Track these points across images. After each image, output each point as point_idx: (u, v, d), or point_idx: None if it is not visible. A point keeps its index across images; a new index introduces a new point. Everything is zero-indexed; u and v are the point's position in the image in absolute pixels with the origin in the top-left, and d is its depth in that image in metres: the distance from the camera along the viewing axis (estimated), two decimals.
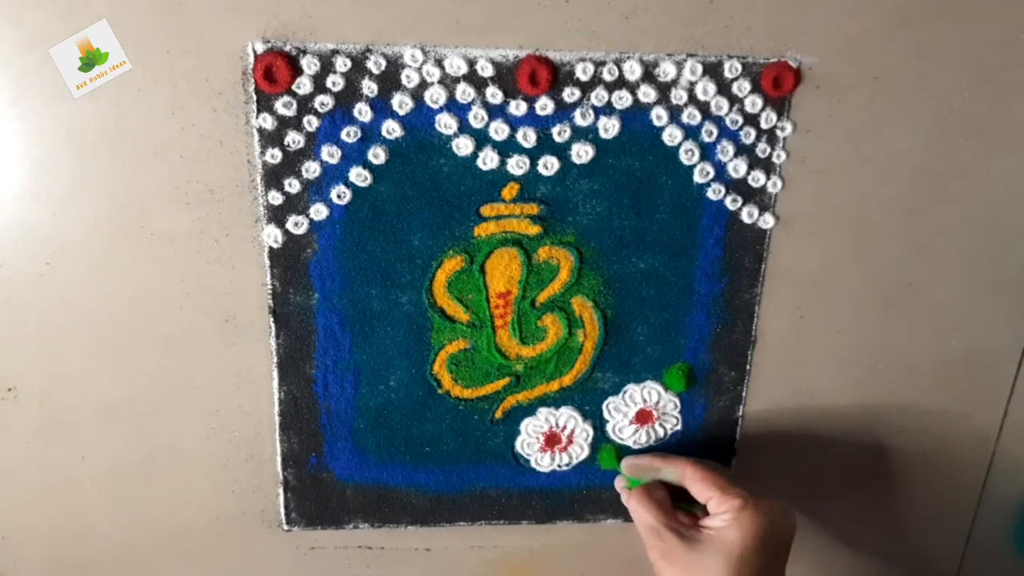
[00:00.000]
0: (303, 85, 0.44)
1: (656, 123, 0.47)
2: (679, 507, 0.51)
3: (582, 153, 0.47)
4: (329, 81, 0.44)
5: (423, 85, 0.45)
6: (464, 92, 0.45)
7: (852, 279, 0.52)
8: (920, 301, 0.53)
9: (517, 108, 0.46)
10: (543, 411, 0.54)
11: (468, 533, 0.58)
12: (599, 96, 0.46)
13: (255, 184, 0.46)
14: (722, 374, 0.54)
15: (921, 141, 0.49)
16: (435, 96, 0.45)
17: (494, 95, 0.45)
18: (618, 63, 0.45)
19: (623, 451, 0.55)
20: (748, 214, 0.49)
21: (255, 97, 0.44)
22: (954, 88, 0.48)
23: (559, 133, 0.47)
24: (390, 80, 0.45)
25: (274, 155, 0.46)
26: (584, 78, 0.45)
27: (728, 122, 0.47)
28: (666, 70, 0.46)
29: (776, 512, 0.48)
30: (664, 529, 0.48)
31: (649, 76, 0.46)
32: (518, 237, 0.49)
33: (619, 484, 0.55)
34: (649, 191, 0.48)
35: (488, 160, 0.47)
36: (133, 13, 0.42)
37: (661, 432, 0.55)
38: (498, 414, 0.54)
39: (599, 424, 0.54)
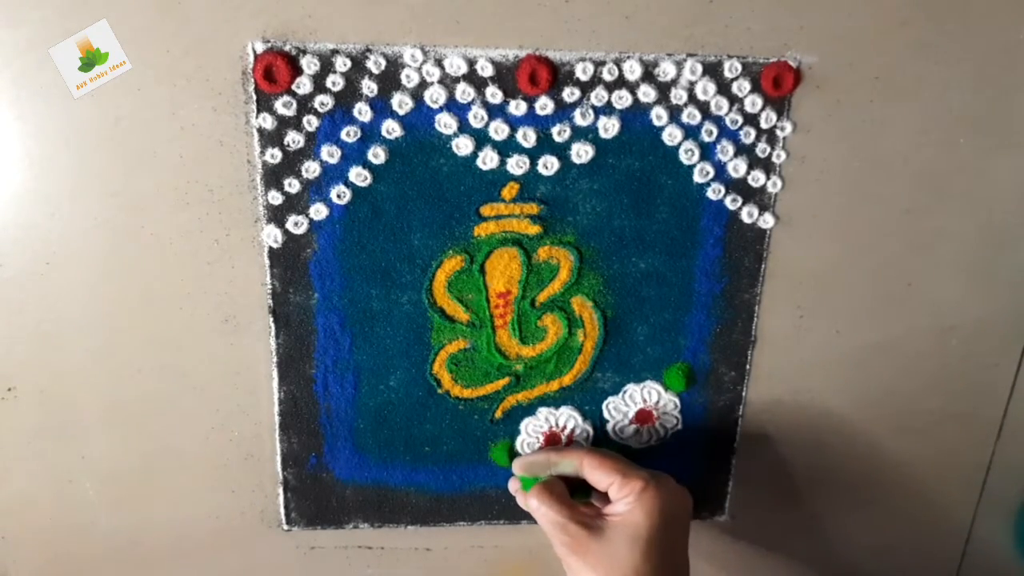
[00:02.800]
0: (303, 85, 0.44)
1: (656, 123, 0.47)
2: (578, 500, 0.51)
3: (582, 153, 0.47)
4: (329, 81, 0.44)
5: (423, 85, 0.45)
6: (464, 92, 0.45)
7: (852, 279, 0.52)
8: (920, 301, 0.53)
9: (517, 108, 0.46)
10: (543, 411, 0.54)
11: (468, 533, 0.58)
12: (599, 96, 0.46)
13: (255, 184, 0.46)
14: (722, 374, 0.54)
15: (921, 141, 0.49)
16: (435, 96, 0.45)
17: (494, 95, 0.45)
18: (618, 63, 0.45)
19: (623, 451, 0.55)
20: (748, 214, 0.49)
21: (255, 97, 0.44)
22: (954, 88, 0.48)
23: (559, 133, 0.47)
24: (390, 80, 0.45)
25: (274, 155, 0.46)
26: (584, 78, 0.45)
27: (728, 122, 0.47)
28: (666, 70, 0.46)
29: (674, 489, 0.49)
30: (569, 522, 0.47)
31: (649, 76, 0.46)
32: (518, 237, 0.49)
33: (513, 487, 0.54)
34: (649, 191, 0.48)
35: (488, 160, 0.47)
36: (133, 13, 0.42)
37: (661, 432, 0.55)
38: (498, 414, 0.54)
39: (599, 424, 0.54)
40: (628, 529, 0.46)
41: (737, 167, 0.48)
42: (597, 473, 0.49)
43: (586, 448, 0.52)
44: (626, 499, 0.47)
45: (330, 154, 0.46)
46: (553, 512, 0.48)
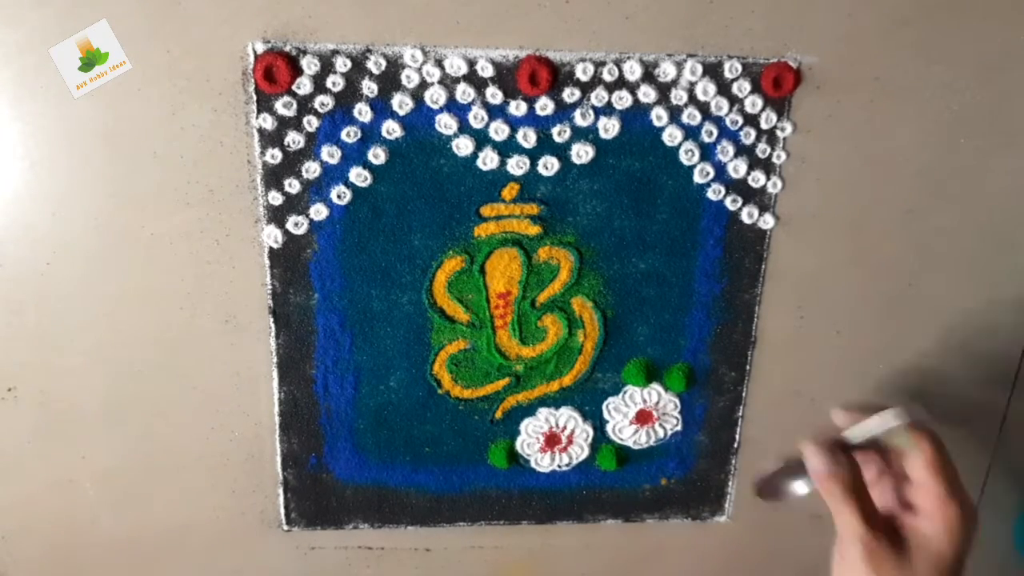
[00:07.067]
0: (303, 85, 0.44)
1: (656, 123, 0.47)
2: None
3: (582, 153, 0.47)
4: (329, 81, 0.44)
5: (423, 85, 0.45)
6: (464, 92, 0.45)
7: (852, 279, 0.52)
8: (920, 301, 0.53)
9: (517, 108, 0.46)
10: (543, 411, 0.54)
11: (468, 533, 0.58)
12: (599, 96, 0.46)
13: (255, 184, 0.46)
14: (722, 374, 0.54)
15: (921, 141, 0.49)
16: (435, 96, 0.45)
17: (494, 95, 0.45)
18: (618, 63, 0.45)
19: (623, 451, 0.55)
20: (748, 214, 0.49)
21: (255, 97, 0.44)
22: (954, 88, 0.48)
23: (559, 133, 0.47)
24: (390, 80, 0.45)
25: (274, 155, 0.46)
26: (584, 78, 0.45)
27: (728, 122, 0.47)
28: (666, 70, 0.46)
29: (974, 524, 0.44)
30: (870, 537, 0.43)
31: (649, 76, 0.46)
32: (518, 237, 0.49)
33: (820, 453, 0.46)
34: (649, 191, 0.48)
35: (488, 160, 0.47)
36: (133, 13, 0.42)
37: (661, 432, 0.55)
38: (498, 414, 0.54)
39: (599, 424, 0.54)
40: (933, 558, 0.43)
41: (737, 168, 0.48)
42: (925, 471, 0.44)
43: (934, 442, 0.45)
44: (935, 522, 0.43)
45: (330, 154, 0.46)
46: (857, 522, 0.44)
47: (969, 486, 0.59)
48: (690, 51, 0.45)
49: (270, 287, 0.49)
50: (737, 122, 0.47)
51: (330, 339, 0.50)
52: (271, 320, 0.49)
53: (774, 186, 0.49)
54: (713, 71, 0.46)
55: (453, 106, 0.46)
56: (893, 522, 0.45)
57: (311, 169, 0.46)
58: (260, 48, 0.43)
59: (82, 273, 0.48)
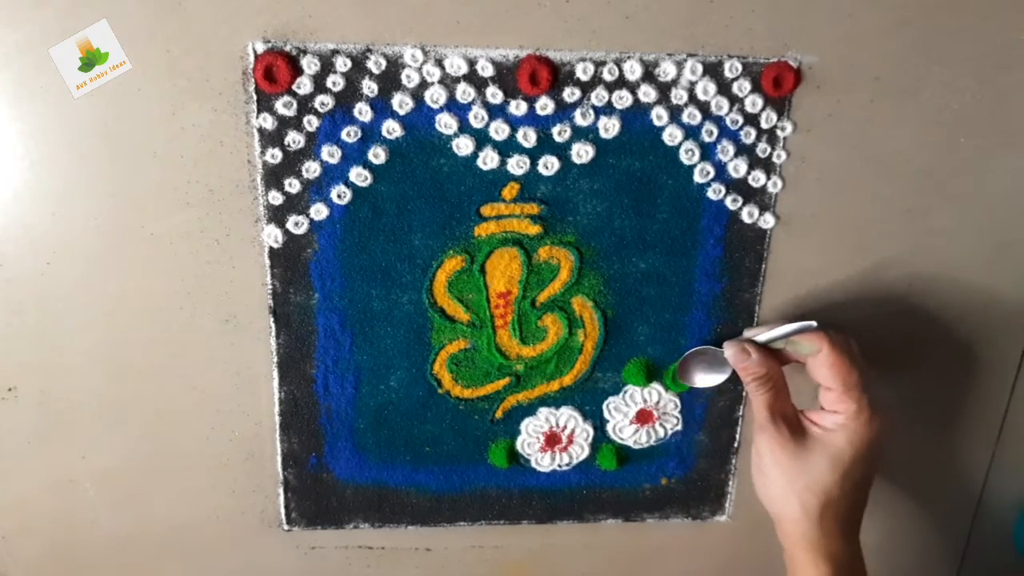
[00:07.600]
0: (303, 85, 0.44)
1: (656, 123, 0.47)
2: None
3: (582, 153, 0.47)
4: (329, 81, 0.44)
5: (423, 85, 0.45)
6: (464, 92, 0.45)
7: (852, 279, 0.52)
8: (920, 301, 0.53)
9: (517, 108, 0.46)
10: (543, 411, 0.54)
11: (468, 533, 0.58)
12: (599, 96, 0.46)
13: (255, 184, 0.46)
14: None
15: (921, 141, 0.49)
16: (435, 96, 0.45)
17: (494, 95, 0.45)
18: (618, 63, 0.45)
19: (623, 451, 0.55)
20: (748, 214, 0.49)
21: (255, 97, 0.44)
22: (954, 88, 0.48)
23: (559, 133, 0.47)
24: (390, 80, 0.45)
25: (274, 155, 0.46)
26: (584, 78, 0.45)
27: (728, 122, 0.47)
28: (666, 70, 0.46)
29: (883, 429, 0.49)
30: (780, 423, 0.49)
31: (649, 76, 0.46)
32: (518, 237, 0.49)
33: (737, 348, 0.50)
34: (649, 191, 0.48)
35: (488, 160, 0.47)
36: (133, 13, 0.42)
37: (661, 432, 0.55)
38: (498, 414, 0.54)
39: (599, 424, 0.54)
40: (829, 450, 0.48)
41: (737, 167, 0.48)
42: (824, 370, 0.48)
43: (832, 338, 0.48)
44: (835, 417, 0.48)
45: (330, 154, 0.46)
46: (763, 412, 0.49)
47: (969, 486, 0.60)
48: (690, 51, 0.45)
49: (270, 287, 0.49)
50: (737, 122, 0.47)
51: (330, 339, 0.50)
52: (271, 320, 0.49)
53: (774, 186, 0.49)
54: (713, 71, 0.46)
55: (453, 106, 0.46)
56: (799, 424, 0.50)
57: (311, 169, 0.46)
58: (260, 48, 0.43)
59: (82, 273, 0.48)
